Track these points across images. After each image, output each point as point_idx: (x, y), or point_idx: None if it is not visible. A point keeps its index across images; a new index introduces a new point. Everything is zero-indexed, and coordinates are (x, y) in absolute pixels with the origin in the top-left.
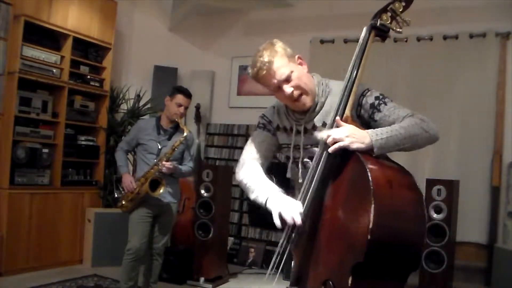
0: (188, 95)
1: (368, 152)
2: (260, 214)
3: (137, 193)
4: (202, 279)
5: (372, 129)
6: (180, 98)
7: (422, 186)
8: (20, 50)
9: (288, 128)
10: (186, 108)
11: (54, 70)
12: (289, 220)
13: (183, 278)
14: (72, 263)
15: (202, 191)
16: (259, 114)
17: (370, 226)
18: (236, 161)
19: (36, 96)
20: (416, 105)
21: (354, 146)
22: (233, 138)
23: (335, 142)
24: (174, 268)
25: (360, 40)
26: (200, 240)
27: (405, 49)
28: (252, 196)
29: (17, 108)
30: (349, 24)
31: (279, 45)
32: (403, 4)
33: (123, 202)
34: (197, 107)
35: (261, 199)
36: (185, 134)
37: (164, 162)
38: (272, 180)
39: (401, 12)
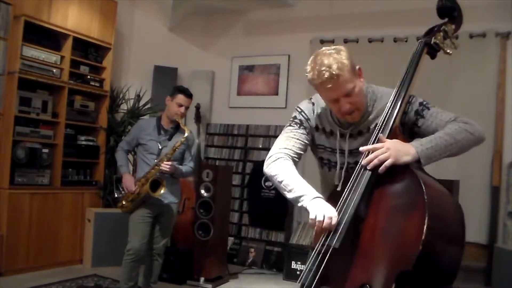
0: (188, 95)
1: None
2: (260, 214)
3: (138, 193)
4: (202, 279)
5: (416, 140)
6: (180, 98)
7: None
8: (20, 50)
9: (328, 131)
10: (186, 108)
11: (54, 70)
12: (326, 222)
13: (183, 278)
14: (72, 263)
15: (202, 191)
16: (259, 114)
17: (423, 237)
18: (236, 161)
19: (36, 96)
20: None
21: (402, 160)
22: (233, 138)
23: (381, 162)
24: (174, 268)
25: (412, 55)
26: (200, 240)
27: (405, 49)
28: (289, 196)
29: (17, 108)
30: (349, 24)
31: (346, 56)
32: (453, 27)
33: (123, 203)
34: (197, 107)
35: (300, 201)
36: (186, 134)
37: (165, 163)
38: None
39: (452, 34)
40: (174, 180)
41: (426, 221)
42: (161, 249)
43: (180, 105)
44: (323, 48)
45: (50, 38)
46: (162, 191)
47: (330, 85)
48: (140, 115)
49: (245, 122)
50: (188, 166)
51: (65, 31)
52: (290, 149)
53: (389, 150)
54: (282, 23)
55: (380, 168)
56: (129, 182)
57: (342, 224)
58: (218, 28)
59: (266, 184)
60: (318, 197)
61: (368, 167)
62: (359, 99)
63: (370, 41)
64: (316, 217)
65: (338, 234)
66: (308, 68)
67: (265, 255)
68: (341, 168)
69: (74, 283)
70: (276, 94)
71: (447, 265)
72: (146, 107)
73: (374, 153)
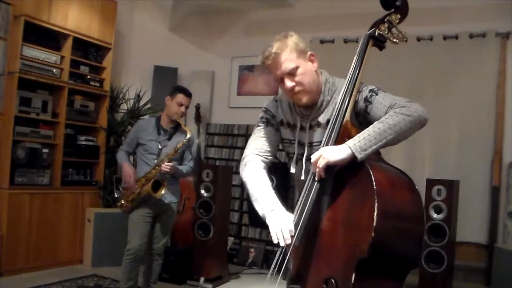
0: (188, 94)
1: (354, 158)
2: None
3: (138, 193)
4: (202, 279)
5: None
6: (181, 97)
7: (422, 186)
8: (20, 50)
9: (291, 123)
10: (186, 107)
11: (54, 70)
12: (281, 242)
13: (183, 278)
14: (72, 263)
15: (202, 191)
16: (259, 114)
17: (374, 224)
18: (237, 161)
19: (36, 96)
20: None
21: (334, 159)
22: (233, 138)
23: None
24: (174, 268)
25: (358, 48)
26: (200, 240)
27: (405, 49)
28: (255, 205)
29: (17, 108)
30: (349, 24)
31: (292, 39)
32: (399, 16)
33: (123, 202)
34: (197, 107)
35: (261, 213)
36: (188, 136)
37: (166, 164)
38: (272, 180)
39: (397, 23)
40: (174, 180)
41: (376, 208)
42: (160, 249)
43: (180, 105)
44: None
45: (50, 38)
46: (162, 192)
47: (270, 62)
48: (140, 115)
49: (245, 122)
50: (188, 166)
51: (65, 31)
52: (260, 149)
53: (322, 155)
54: (282, 23)
55: (316, 174)
56: (128, 174)
57: (300, 224)
58: (218, 28)
59: None
60: (274, 209)
61: (316, 179)
62: (306, 80)
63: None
64: (275, 234)
65: (296, 233)
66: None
67: (265, 255)
68: (300, 159)
69: (74, 283)
70: (276, 94)
71: (406, 249)
72: (146, 107)
73: (312, 162)
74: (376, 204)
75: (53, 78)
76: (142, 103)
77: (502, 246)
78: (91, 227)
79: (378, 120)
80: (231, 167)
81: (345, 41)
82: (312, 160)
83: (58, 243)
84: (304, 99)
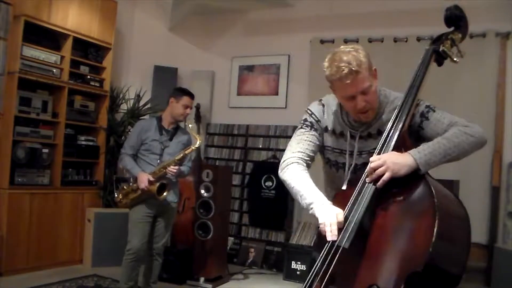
0: (193, 96)
1: (417, 171)
2: (260, 214)
3: (142, 192)
4: (202, 279)
5: (414, 149)
6: (186, 99)
7: None
8: (20, 50)
9: (338, 132)
10: (191, 109)
11: (54, 70)
12: (328, 235)
13: (183, 278)
14: (72, 263)
15: (202, 191)
16: (259, 114)
17: (433, 240)
18: (236, 161)
19: (36, 96)
20: None
21: (401, 172)
22: (233, 138)
23: (379, 177)
24: (174, 268)
25: (421, 61)
26: (200, 240)
27: (405, 49)
28: (301, 202)
29: (17, 108)
30: (349, 24)
31: (363, 55)
32: (460, 36)
33: (120, 197)
34: (197, 107)
35: (310, 206)
36: (198, 143)
37: (172, 167)
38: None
39: (459, 43)
40: (174, 180)
41: (436, 223)
42: (160, 249)
43: (186, 107)
44: (341, 46)
45: (50, 38)
46: (165, 194)
47: (348, 81)
48: (140, 115)
49: (245, 122)
50: (187, 166)
51: (65, 31)
52: (303, 152)
53: (385, 163)
54: (282, 23)
55: (378, 183)
56: (146, 179)
57: (352, 224)
58: (218, 28)
59: (266, 184)
60: (324, 203)
61: (367, 180)
62: (374, 98)
63: (370, 41)
64: (325, 222)
65: (348, 234)
66: (326, 64)
67: (265, 255)
68: (349, 168)
69: (74, 283)
70: (276, 94)
71: (454, 266)
72: (146, 107)
73: (372, 167)
74: (437, 220)
75: (53, 78)
76: (142, 103)
77: (502, 246)
78: (91, 227)
79: (431, 136)
80: (231, 167)
81: (345, 41)
82: (372, 165)
83: (58, 243)
84: (370, 118)
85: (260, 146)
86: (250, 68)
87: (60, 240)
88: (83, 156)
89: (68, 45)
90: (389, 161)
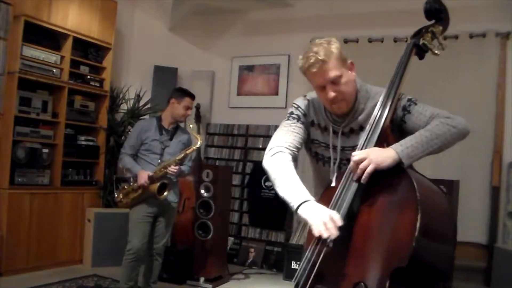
0: (194, 97)
1: (399, 164)
2: (260, 214)
3: (142, 192)
4: (202, 279)
5: (396, 143)
6: (188, 101)
7: None
8: (20, 50)
9: (323, 126)
10: (191, 109)
11: (54, 70)
12: (324, 233)
13: (183, 278)
14: (72, 263)
15: (202, 191)
16: (259, 114)
17: (416, 233)
18: (236, 161)
19: (36, 96)
20: None
21: (384, 165)
22: (233, 138)
23: (363, 170)
24: (174, 268)
25: (402, 55)
26: (200, 240)
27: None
28: (281, 194)
29: (17, 108)
30: (349, 24)
31: (336, 46)
32: (441, 28)
33: (121, 196)
34: (197, 107)
35: (292, 204)
36: (198, 143)
37: (173, 167)
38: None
39: (439, 35)
40: (174, 180)
41: (419, 217)
42: (161, 249)
43: (187, 108)
44: (317, 40)
45: (50, 38)
46: (165, 193)
47: (315, 70)
48: (140, 115)
49: (245, 122)
50: (187, 165)
51: (65, 31)
52: (290, 143)
53: (368, 156)
54: (282, 23)
55: (363, 178)
56: (146, 177)
57: (350, 197)
58: (218, 28)
59: (266, 184)
60: (306, 201)
61: (354, 178)
62: (347, 89)
63: (370, 41)
64: (317, 226)
65: (342, 211)
66: (300, 56)
67: (265, 255)
68: (334, 163)
69: (74, 283)
70: (276, 94)
71: (440, 260)
72: (146, 107)
73: (354, 160)
74: (419, 214)
75: (53, 78)
76: (142, 103)
77: (502, 246)
78: (91, 227)
79: (413, 129)
80: (231, 167)
81: (345, 41)
82: (355, 159)
83: (58, 243)
84: (343, 108)
85: (260, 146)
86: (250, 68)
87: (60, 240)
88: (83, 156)
89: (68, 45)
90: (371, 154)
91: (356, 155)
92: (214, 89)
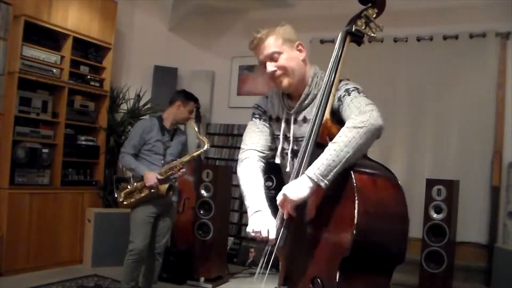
0: (198, 101)
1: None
2: None
3: (149, 192)
4: (202, 279)
5: (309, 167)
6: (192, 105)
7: (422, 186)
8: (20, 50)
9: (280, 118)
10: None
11: (54, 70)
12: (259, 238)
13: (183, 278)
14: (72, 263)
15: (202, 191)
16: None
17: (355, 221)
18: (236, 161)
19: (36, 96)
20: (416, 105)
21: (301, 196)
22: (233, 138)
23: (288, 210)
24: (174, 268)
25: (336, 46)
26: (200, 240)
27: (405, 49)
28: (245, 202)
29: (17, 108)
30: None
31: (282, 28)
32: (376, 10)
33: (122, 196)
34: (197, 107)
35: (248, 212)
36: (206, 146)
37: (179, 168)
38: (271, 180)
39: (375, 18)
40: (174, 180)
41: (356, 205)
42: (162, 248)
43: (191, 112)
44: None
45: (50, 38)
46: (170, 192)
47: (253, 45)
48: (140, 115)
49: (245, 122)
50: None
51: (65, 31)
52: (256, 143)
53: (284, 197)
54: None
55: (285, 215)
56: (154, 178)
57: (282, 229)
58: (218, 28)
59: (266, 184)
60: (259, 211)
61: (284, 218)
62: (288, 64)
63: (370, 41)
64: (251, 231)
65: (279, 237)
66: None
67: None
68: (285, 153)
69: (74, 283)
70: None
71: (390, 246)
72: (146, 107)
73: (279, 206)
74: (356, 202)
75: (53, 78)
76: (142, 103)
77: (502, 246)
78: (91, 227)
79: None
80: (231, 167)
81: None
82: (278, 203)
83: (58, 243)
84: (285, 82)
85: None
86: (250, 68)
87: (60, 240)
88: (83, 156)
89: (68, 45)
90: (287, 192)
91: (278, 199)
92: (214, 89)
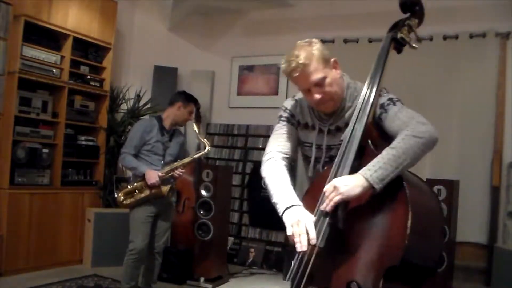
0: (198, 102)
1: (372, 190)
2: (260, 214)
3: (150, 192)
4: (202, 279)
5: (364, 167)
6: (192, 107)
7: None
8: (20, 50)
9: (310, 125)
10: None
11: (54, 70)
12: (297, 247)
13: (183, 278)
14: (72, 263)
15: (202, 191)
16: (259, 114)
17: (408, 232)
18: (236, 161)
19: (36, 96)
20: (416, 106)
21: (353, 193)
22: (233, 138)
23: (333, 202)
24: (174, 268)
25: (380, 50)
26: (200, 240)
27: (404, 49)
28: (272, 201)
29: (17, 108)
30: (349, 24)
31: (317, 47)
32: (417, 21)
33: (122, 196)
34: (197, 107)
35: (279, 210)
36: (207, 149)
37: (180, 170)
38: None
39: (416, 28)
40: (172, 180)
41: (410, 216)
42: (161, 247)
43: (191, 113)
44: (298, 41)
45: (50, 38)
46: (170, 194)
47: (297, 74)
48: (140, 115)
49: (245, 122)
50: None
51: (65, 31)
52: (282, 147)
53: (335, 188)
54: (282, 23)
55: (328, 207)
56: (156, 177)
57: (325, 224)
58: (218, 28)
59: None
60: (293, 205)
61: (327, 210)
62: (333, 89)
63: (370, 41)
64: (290, 230)
65: (322, 234)
66: (282, 60)
67: (265, 255)
68: (317, 161)
69: (74, 283)
70: (276, 94)
71: (429, 260)
72: (146, 107)
73: (325, 195)
74: (410, 213)
75: (53, 78)
76: (142, 103)
77: (502, 246)
78: (91, 227)
79: (388, 130)
80: (231, 167)
81: (345, 41)
82: (325, 191)
83: (58, 243)
84: (330, 108)
85: (260, 146)
86: (250, 68)
87: (60, 240)
88: (83, 156)
89: (68, 45)
90: (339, 184)
91: (325, 188)
92: (214, 89)
